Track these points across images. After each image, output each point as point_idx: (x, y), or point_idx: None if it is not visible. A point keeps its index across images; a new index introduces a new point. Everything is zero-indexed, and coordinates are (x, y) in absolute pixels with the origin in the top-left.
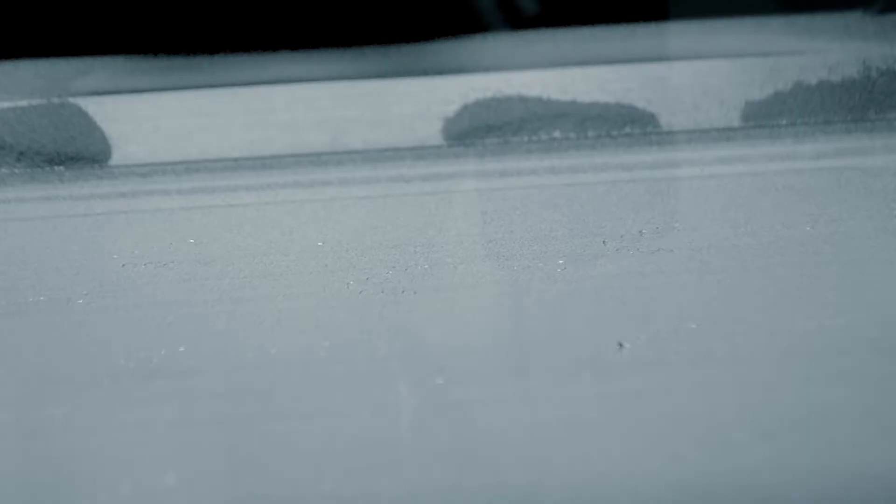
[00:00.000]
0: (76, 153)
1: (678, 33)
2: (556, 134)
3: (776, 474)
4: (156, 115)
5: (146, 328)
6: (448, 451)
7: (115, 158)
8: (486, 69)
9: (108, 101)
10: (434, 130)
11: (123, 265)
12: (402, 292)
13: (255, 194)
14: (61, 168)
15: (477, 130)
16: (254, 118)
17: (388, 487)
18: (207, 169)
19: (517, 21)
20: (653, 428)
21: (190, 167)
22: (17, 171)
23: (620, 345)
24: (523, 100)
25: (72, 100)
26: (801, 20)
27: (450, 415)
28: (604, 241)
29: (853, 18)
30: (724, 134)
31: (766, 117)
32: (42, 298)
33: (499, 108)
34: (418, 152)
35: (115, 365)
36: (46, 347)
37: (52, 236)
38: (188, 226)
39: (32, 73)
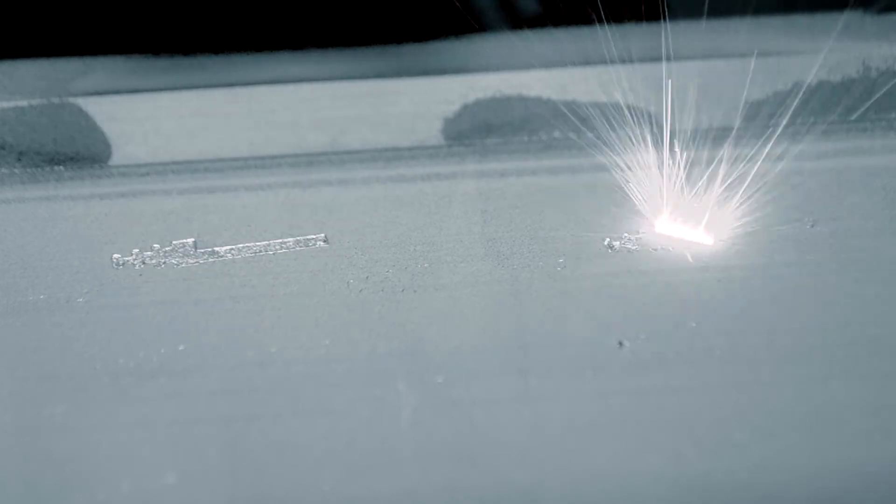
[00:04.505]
0: (76, 153)
1: (678, 33)
2: (556, 134)
3: (776, 474)
4: (156, 115)
5: (146, 327)
6: (448, 451)
7: (115, 158)
8: (486, 69)
9: (108, 101)
10: (434, 130)
11: (123, 264)
12: (402, 291)
13: (255, 194)
14: (61, 168)
15: (477, 130)
16: (254, 118)
17: (388, 487)
18: (207, 169)
19: (517, 21)
20: (653, 427)
21: (190, 167)
22: (16, 171)
23: (620, 343)
24: (523, 100)
25: (72, 100)
26: (801, 20)
27: (450, 414)
28: (604, 240)
29: (853, 18)
30: (725, 134)
31: (766, 117)
32: (42, 297)
33: (499, 108)
34: (418, 152)
35: (114, 364)
36: (46, 346)
37: (52, 236)
38: (188, 225)
39: (32, 73)
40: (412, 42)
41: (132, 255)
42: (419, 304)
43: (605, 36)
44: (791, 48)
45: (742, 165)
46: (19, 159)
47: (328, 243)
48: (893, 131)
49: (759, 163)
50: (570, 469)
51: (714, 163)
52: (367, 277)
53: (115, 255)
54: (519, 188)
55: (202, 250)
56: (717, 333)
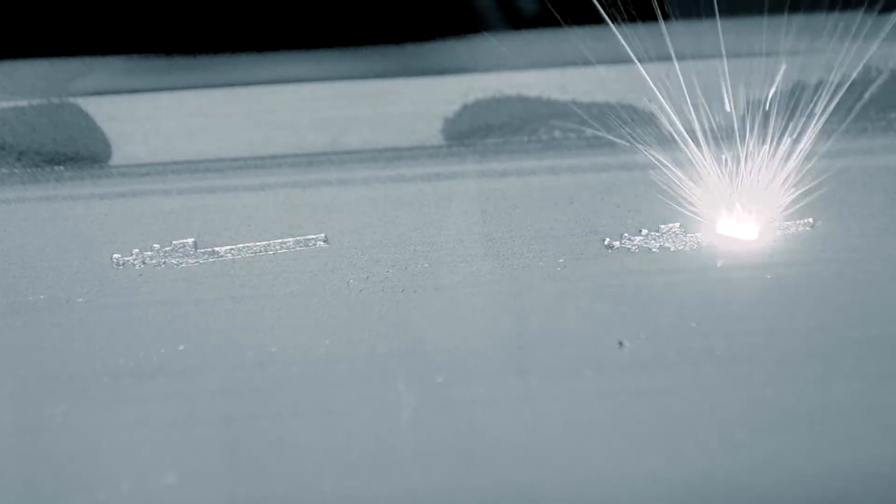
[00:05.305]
0: (76, 153)
1: (678, 33)
2: (556, 134)
3: (776, 474)
4: (156, 115)
5: (146, 327)
6: (448, 451)
7: (115, 158)
8: (486, 69)
9: (108, 101)
10: (434, 130)
11: (123, 264)
12: (402, 291)
13: (255, 194)
14: (61, 168)
15: (477, 130)
16: (254, 118)
17: (388, 487)
18: (207, 169)
19: (517, 21)
20: (653, 427)
21: (190, 167)
22: (16, 171)
23: (620, 343)
24: (523, 100)
25: (72, 100)
26: (801, 20)
27: (450, 414)
28: (604, 240)
29: (853, 18)
30: (724, 134)
31: (766, 117)
32: (42, 297)
33: (499, 108)
34: (418, 152)
35: (114, 363)
36: (46, 346)
37: (52, 236)
38: (188, 225)
39: (32, 73)
40: (412, 42)
41: (132, 255)
42: (419, 304)
43: (606, 36)
44: (791, 48)
45: (740, 166)
46: (19, 159)
47: (328, 243)
48: (893, 131)
49: (757, 163)
50: (570, 469)
51: (710, 163)
52: (367, 277)
53: (115, 255)
54: (519, 188)
55: (202, 250)
56: (717, 333)
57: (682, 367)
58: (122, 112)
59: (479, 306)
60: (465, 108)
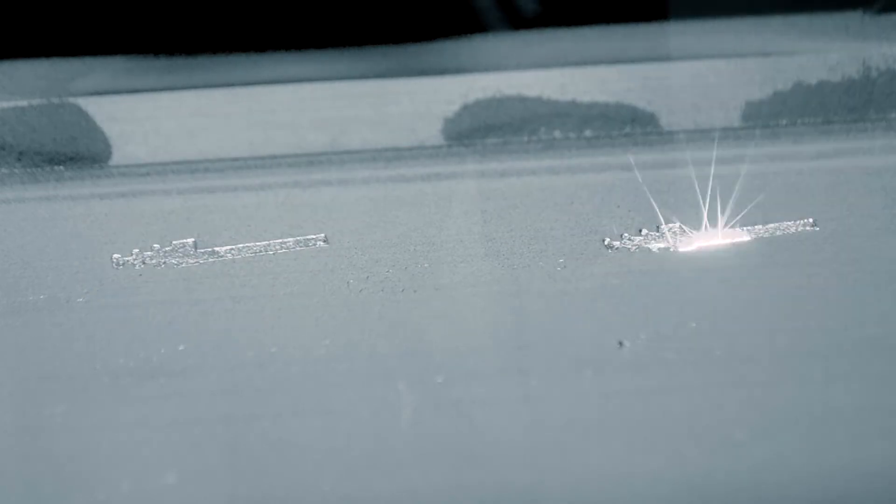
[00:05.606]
0: (76, 153)
1: (678, 33)
2: (556, 134)
3: (776, 474)
4: (156, 115)
5: (146, 327)
6: (448, 451)
7: (115, 158)
8: (486, 69)
9: (108, 101)
10: (434, 130)
11: (123, 264)
12: (402, 291)
13: (255, 194)
14: (61, 168)
15: (477, 130)
16: (254, 118)
17: (388, 487)
18: (207, 169)
19: (517, 21)
20: (653, 428)
21: (190, 167)
22: (16, 171)
23: (620, 343)
24: (523, 100)
25: (72, 100)
26: (801, 20)
27: (450, 414)
28: (604, 240)
29: (853, 18)
30: (724, 134)
31: (766, 117)
32: (42, 297)
33: (499, 108)
34: (418, 152)
35: (114, 364)
36: (46, 346)
37: (52, 236)
38: (188, 225)
39: (32, 73)
40: (412, 42)
41: (132, 255)
42: (419, 304)
43: (606, 36)
44: (791, 48)
45: (741, 166)
46: (19, 159)
47: (328, 243)
48: (893, 131)
49: (758, 163)
50: (570, 469)
51: (712, 163)
52: (367, 277)
53: (115, 255)
54: (519, 188)
55: (202, 250)
56: (717, 333)
57: (682, 367)
58: (122, 112)
59: (479, 306)
60: (465, 108)
